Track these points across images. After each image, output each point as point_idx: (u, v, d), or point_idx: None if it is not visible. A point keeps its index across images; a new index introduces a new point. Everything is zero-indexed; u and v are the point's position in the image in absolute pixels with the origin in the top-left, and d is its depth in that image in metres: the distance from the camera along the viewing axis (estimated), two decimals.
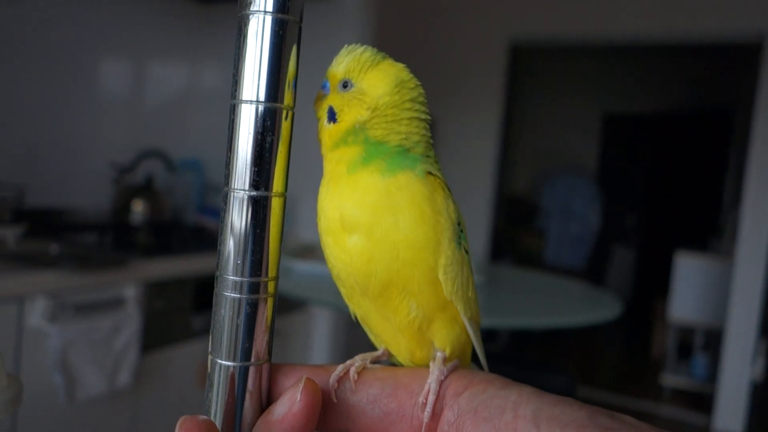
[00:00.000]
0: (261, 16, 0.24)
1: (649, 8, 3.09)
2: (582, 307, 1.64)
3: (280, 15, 0.24)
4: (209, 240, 2.01)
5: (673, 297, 3.33)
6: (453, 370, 0.28)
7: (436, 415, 0.26)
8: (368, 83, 0.31)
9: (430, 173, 0.30)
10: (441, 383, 0.27)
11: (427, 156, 0.31)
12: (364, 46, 0.32)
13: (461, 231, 0.31)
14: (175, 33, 2.38)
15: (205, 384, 0.26)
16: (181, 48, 2.41)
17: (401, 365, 0.32)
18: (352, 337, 2.32)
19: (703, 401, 3.17)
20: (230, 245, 0.25)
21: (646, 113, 5.23)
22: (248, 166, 0.24)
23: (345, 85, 0.32)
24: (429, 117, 0.32)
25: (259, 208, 0.25)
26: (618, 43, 3.59)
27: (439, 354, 0.30)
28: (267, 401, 0.26)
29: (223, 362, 0.25)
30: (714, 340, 3.28)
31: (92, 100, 2.11)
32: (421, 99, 0.32)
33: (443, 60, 3.42)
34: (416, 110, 0.32)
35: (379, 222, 0.28)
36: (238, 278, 0.25)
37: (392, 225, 0.28)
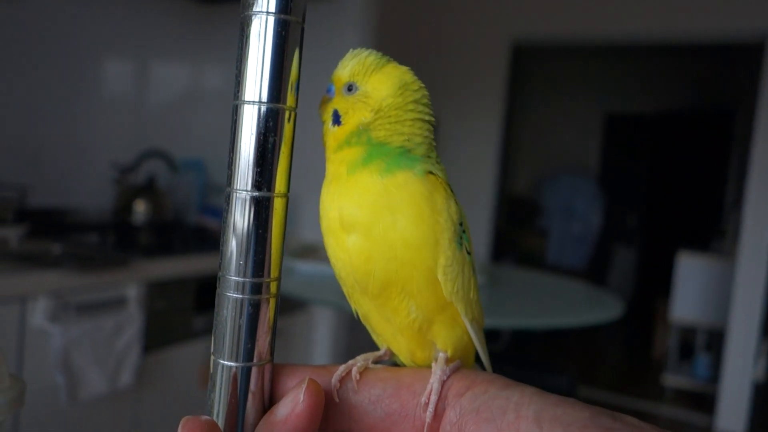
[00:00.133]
0: (264, 16, 0.24)
1: (650, 8, 3.08)
2: (583, 307, 1.64)
3: (282, 16, 0.24)
4: (211, 240, 2.02)
5: (675, 297, 3.33)
6: (455, 370, 0.28)
7: (438, 415, 0.26)
8: (372, 86, 0.32)
9: (430, 173, 0.30)
10: (443, 384, 0.27)
11: (428, 156, 0.31)
12: (370, 50, 0.32)
13: (463, 232, 0.30)
14: (177, 33, 2.38)
15: (208, 384, 0.26)
16: (184, 48, 2.41)
17: (403, 364, 0.32)
18: (354, 338, 2.32)
19: (704, 401, 3.17)
20: (232, 246, 0.25)
21: (648, 113, 5.22)
22: (251, 167, 0.24)
23: (350, 88, 0.32)
24: (432, 119, 0.32)
25: (261, 208, 0.25)
26: (620, 43, 3.59)
27: (441, 354, 0.30)
28: (269, 402, 0.26)
29: (226, 363, 0.25)
30: (716, 341, 3.27)
31: (95, 100, 2.11)
32: (425, 101, 0.32)
33: (445, 60, 3.42)
34: (419, 112, 0.32)
35: (377, 221, 0.28)
36: (240, 279, 0.25)
37: (390, 224, 0.28)
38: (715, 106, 4.90)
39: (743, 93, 3.94)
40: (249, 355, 0.25)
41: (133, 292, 1.55)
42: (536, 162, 5.30)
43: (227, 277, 0.25)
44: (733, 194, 4.22)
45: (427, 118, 0.32)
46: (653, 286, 4.50)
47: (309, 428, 0.24)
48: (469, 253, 0.31)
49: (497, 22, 3.39)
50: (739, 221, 2.96)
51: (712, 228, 4.35)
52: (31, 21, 1.85)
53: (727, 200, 4.50)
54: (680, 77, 4.94)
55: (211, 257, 1.79)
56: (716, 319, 3.17)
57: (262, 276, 0.25)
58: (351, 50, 0.33)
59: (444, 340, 0.31)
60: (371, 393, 0.27)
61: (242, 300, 0.25)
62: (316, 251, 1.82)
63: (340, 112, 0.32)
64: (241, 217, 0.25)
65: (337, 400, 0.27)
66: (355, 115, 0.31)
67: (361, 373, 0.28)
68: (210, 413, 0.25)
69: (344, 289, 0.32)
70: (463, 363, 0.32)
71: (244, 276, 0.25)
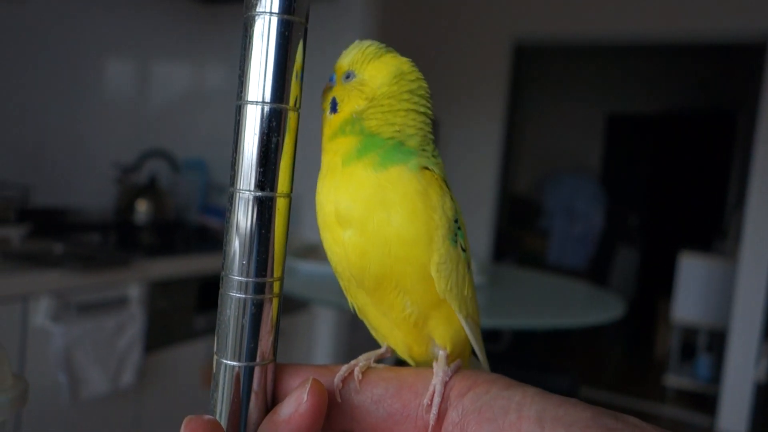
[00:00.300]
0: (267, 17, 0.24)
1: (652, 8, 3.08)
2: (585, 308, 1.64)
3: (286, 16, 0.24)
4: (212, 240, 2.02)
5: (677, 297, 3.33)
6: (457, 370, 0.28)
7: (440, 415, 0.26)
8: (369, 74, 0.31)
9: (426, 168, 0.30)
10: (445, 384, 0.27)
11: (423, 150, 0.31)
12: (373, 41, 0.32)
13: (459, 228, 0.30)
14: (179, 33, 2.38)
15: (210, 384, 0.26)
16: (186, 48, 2.41)
17: (405, 361, 0.33)
18: (355, 337, 2.32)
19: (706, 402, 3.16)
20: (236, 246, 0.25)
21: (650, 113, 5.22)
22: (254, 167, 0.25)
23: (348, 76, 0.32)
24: (429, 111, 0.32)
25: (264, 208, 0.25)
26: (621, 44, 3.58)
27: (441, 353, 0.30)
28: (272, 401, 0.26)
29: (229, 362, 0.25)
30: (717, 341, 3.27)
31: (97, 100, 2.11)
32: (421, 92, 0.32)
33: (447, 60, 3.42)
34: (414, 102, 0.31)
35: (371, 217, 0.28)
36: (243, 278, 0.25)
37: (384, 220, 0.28)
38: (717, 106, 4.89)
39: (745, 93, 3.93)
40: (252, 355, 0.25)
41: (134, 291, 1.55)
42: (538, 162, 5.30)
43: (230, 276, 0.25)
44: (735, 195, 4.21)
45: (421, 109, 0.31)
46: (655, 287, 4.50)
47: (312, 428, 0.24)
48: (464, 250, 0.31)
49: (499, 22, 3.39)
50: (740, 222, 2.95)
51: (714, 228, 4.34)
52: (33, 21, 1.86)
53: (729, 200, 4.49)
54: (682, 77, 4.94)
55: (213, 257, 1.79)
56: (718, 320, 3.17)
57: (265, 276, 0.25)
58: (356, 41, 0.33)
59: (442, 336, 0.31)
60: (373, 393, 0.27)
61: (245, 300, 0.25)
62: (317, 251, 1.82)
63: (338, 100, 0.32)
64: (244, 217, 0.25)
65: (339, 400, 0.27)
66: (350, 102, 0.31)
67: (363, 373, 0.28)
68: (213, 413, 0.25)
69: (341, 283, 0.32)
70: (461, 360, 0.32)
71: (247, 276, 0.25)
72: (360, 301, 0.32)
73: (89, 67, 2.08)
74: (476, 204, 3.41)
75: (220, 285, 0.25)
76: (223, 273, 0.25)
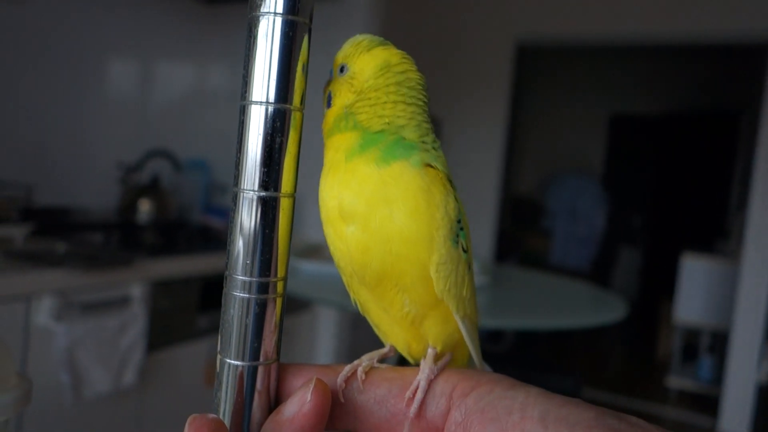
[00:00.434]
0: (271, 17, 0.24)
1: (656, 9, 3.08)
2: (587, 309, 1.63)
3: (290, 17, 0.24)
4: (215, 240, 2.02)
5: (679, 299, 3.32)
6: (443, 368, 0.28)
7: (443, 414, 0.26)
8: (359, 66, 0.31)
9: (429, 165, 0.29)
10: (430, 381, 0.27)
11: (423, 142, 0.30)
12: (369, 35, 0.32)
13: (461, 228, 0.30)
14: (181, 33, 2.39)
15: (214, 383, 0.26)
16: (188, 48, 2.42)
17: (407, 360, 0.33)
18: (358, 337, 2.32)
19: (708, 403, 3.16)
20: (239, 245, 0.25)
21: (653, 114, 5.21)
22: (258, 167, 0.25)
23: (342, 69, 0.32)
24: (420, 102, 0.31)
25: (268, 208, 0.25)
26: (624, 44, 3.58)
27: (429, 351, 0.30)
28: (275, 401, 0.26)
29: (232, 362, 0.25)
30: (720, 342, 3.26)
31: (100, 100, 2.12)
32: (411, 84, 0.31)
33: (449, 61, 3.42)
34: (401, 94, 0.31)
35: (374, 213, 0.28)
36: (247, 278, 0.25)
37: (387, 217, 0.28)
38: (720, 107, 4.88)
39: (748, 94, 3.92)
40: (255, 354, 0.25)
41: (137, 291, 1.55)
42: (540, 162, 5.29)
43: (234, 276, 0.25)
44: (737, 195, 4.20)
45: (410, 100, 0.31)
46: (657, 288, 4.49)
47: (316, 428, 0.24)
48: (465, 250, 0.30)
49: (502, 22, 3.39)
50: (743, 223, 2.95)
51: (717, 229, 4.34)
52: (35, 21, 1.86)
53: (731, 201, 4.48)
54: (685, 78, 4.93)
55: (215, 257, 1.79)
56: (720, 321, 3.16)
57: (268, 275, 0.25)
58: (357, 35, 0.33)
59: (435, 336, 0.31)
60: (376, 393, 0.27)
61: (249, 299, 0.25)
62: (320, 251, 1.82)
63: (332, 94, 0.32)
64: (248, 217, 0.25)
65: (342, 399, 0.27)
66: (342, 96, 0.31)
67: (366, 373, 0.28)
68: (216, 412, 0.25)
69: (344, 279, 0.32)
70: (455, 360, 0.32)
71: (251, 275, 0.25)
72: (362, 297, 0.32)
73: (92, 67, 2.08)
74: (479, 204, 3.41)
75: (224, 284, 0.25)
76: (226, 272, 0.25)
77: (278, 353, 0.26)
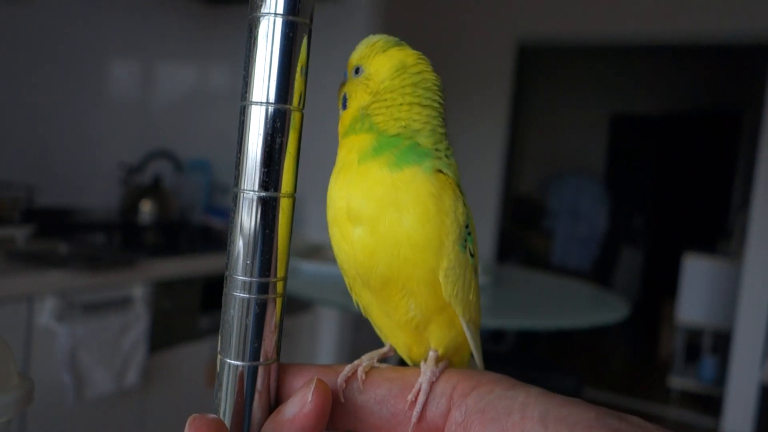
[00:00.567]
0: (271, 18, 0.24)
1: (657, 9, 3.07)
2: (589, 309, 1.63)
3: (290, 17, 0.24)
4: (216, 240, 2.02)
5: (681, 299, 3.32)
6: (444, 370, 0.28)
7: (443, 414, 0.26)
8: (374, 68, 0.31)
9: (440, 171, 0.29)
10: (432, 384, 0.27)
11: (437, 149, 0.30)
12: (384, 35, 0.32)
13: (469, 234, 0.30)
14: (183, 34, 2.39)
15: (214, 383, 0.26)
16: (190, 49, 2.42)
17: (407, 362, 0.33)
18: (359, 337, 2.32)
19: (711, 404, 3.15)
20: (239, 246, 0.25)
21: (655, 114, 5.20)
22: (258, 167, 0.25)
23: (357, 70, 0.32)
24: (435, 103, 0.31)
25: (268, 208, 0.25)
26: (626, 44, 3.58)
27: (431, 353, 0.30)
28: (275, 401, 0.26)
29: (232, 362, 0.25)
30: (722, 343, 3.26)
31: (101, 100, 2.12)
32: (427, 85, 0.31)
33: (450, 60, 3.42)
34: (417, 96, 0.31)
35: (383, 216, 0.28)
36: (247, 278, 0.25)
37: (396, 221, 0.28)
38: (722, 107, 4.88)
39: (750, 94, 3.92)
40: (255, 355, 0.25)
41: (139, 291, 1.55)
42: (542, 162, 5.29)
43: (234, 276, 0.25)
44: (739, 195, 4.20)
45: (427, 102, 0.31)
46: (659, 288, 4.49)
47: (316, 428, 0.24)
48: (472, 255, 0.31)
49: (503, 22, 3.39)
50: (745, 222, 2.94)
51: (719, 229, 4.33)
52: (37, 22, 1.86)
53: (733, 201, 4.48)
54: (687, 78, 4.92)
55: (217, 257, 1.79)
56: (722, 321, 3.16)
57: (269, 276, 0.25)
58: (371, 35, 0.33)
59: (438, 340, 0.31)
60: (377, 393, 0.27)
61: (249, 299, 0.25)
62: (321, 251, 1.82)
63: (348, 96, 0.32)
64: (248, 217, 0.25)
65: (342, 399, 0.27)
66: (357, 97, 0.31)
67: (366, 373, 0.28)
68: (217, 412, 0.25)
69: (346, 281, 0.32)
70: (455, 363, 0.32)
71: (251, 276, 0.25)
72: (364, 299, 0.32)
73: (94, 68, 2.08)
74: (480, 204, 3.41)
75: (224, 285, 0.25)
76: (227, 273, 0.25)
77: (278, 353, 0.26)
